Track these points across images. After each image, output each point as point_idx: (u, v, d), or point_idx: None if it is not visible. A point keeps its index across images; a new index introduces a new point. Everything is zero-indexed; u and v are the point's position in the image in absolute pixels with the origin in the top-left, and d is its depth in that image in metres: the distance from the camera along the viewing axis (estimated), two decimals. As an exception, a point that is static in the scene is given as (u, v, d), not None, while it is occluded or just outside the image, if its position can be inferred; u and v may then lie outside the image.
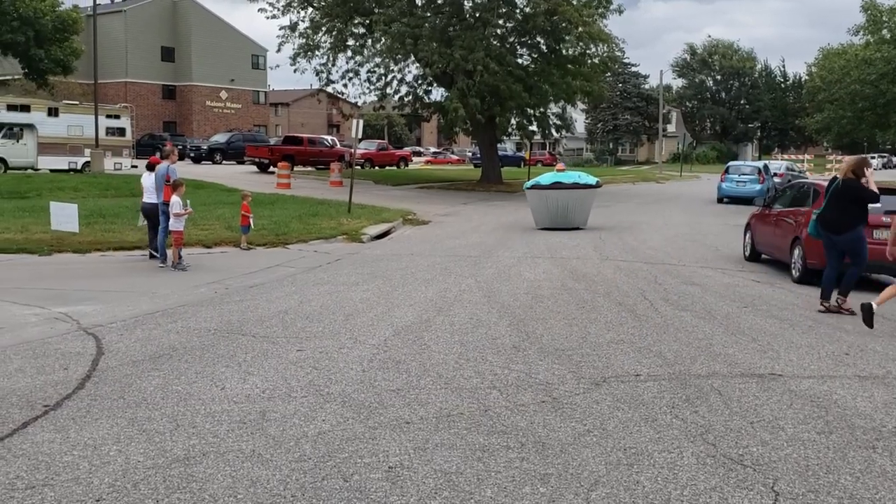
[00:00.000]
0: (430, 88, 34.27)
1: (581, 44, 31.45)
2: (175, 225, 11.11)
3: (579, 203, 17.76)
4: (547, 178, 18.05)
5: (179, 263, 11.04)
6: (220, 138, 45.26)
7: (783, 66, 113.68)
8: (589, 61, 32.74)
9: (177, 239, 11.14)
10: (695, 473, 4.22)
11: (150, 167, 12.00)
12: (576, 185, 17.79)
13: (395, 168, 44.62)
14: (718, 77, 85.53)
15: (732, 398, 5.55)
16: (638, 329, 7.72)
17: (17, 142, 30.74)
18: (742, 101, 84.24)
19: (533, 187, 17.92)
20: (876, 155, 70.59)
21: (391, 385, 5.67)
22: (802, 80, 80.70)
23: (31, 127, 31.15)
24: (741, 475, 4.21)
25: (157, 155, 12.64)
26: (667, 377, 6.05)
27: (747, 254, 13.68)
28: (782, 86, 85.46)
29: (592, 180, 18.17)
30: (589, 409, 5.25)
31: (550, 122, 34.99)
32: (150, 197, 11.66)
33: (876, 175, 34.07)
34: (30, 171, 29.81)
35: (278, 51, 33.31)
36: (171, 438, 4.57)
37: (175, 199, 11.11)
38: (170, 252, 11.19)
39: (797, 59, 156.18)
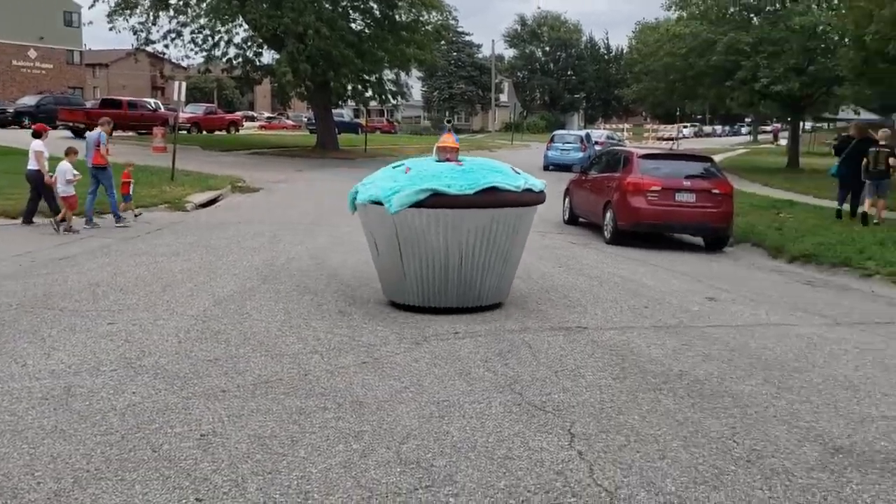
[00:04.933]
0: (260, 51, 33.20)
1: (414, 10, 31.54)
2: (67, 190, 11.40)
3: (509, 240, 7.03)
4: (422, 172, 6.83)
5: (71, 227, 11.39)
6: (29, 101, 41.54)
7: (607, 39, 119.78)
8: (422, 28, 32.91)
9: (72, 204, 11.47)
10: (501, 421, 4.48)
11: (36, 135, 11.99)
12: (511, 198, 6.86)
13: (224, 133, 42.98)
14: (547, 48, 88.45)
15: (541, 350, 5.91)
16: (460, 290, 7.98)
17: None
18: (569, 72, 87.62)
19: (382, 200, 6.81)
20: (688, 124, 75.98)
21: (208, 355, 5.58)
22: (623, 52, 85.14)
23: None
24: (542, 420, 4.52)
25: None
26: (483, 333, 6.33)
27: (566, 217, 14.42)
28: (606, 58, 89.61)
29: (536, 183, 7.22)
30: (408, 367, 5.42)
31: (386, 89, 34.95)
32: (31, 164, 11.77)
33: (685, 143, 36.59)
34: None
35: (91, 6, 31.09)
36: (-39, 420, 4.28)
37: (66, 167, 11.46)
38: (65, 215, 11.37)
39: (620, 31, 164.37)
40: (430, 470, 3.81)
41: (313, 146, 33.62)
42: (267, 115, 72.92)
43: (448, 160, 7.08)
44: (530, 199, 7.11)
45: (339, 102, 38.92)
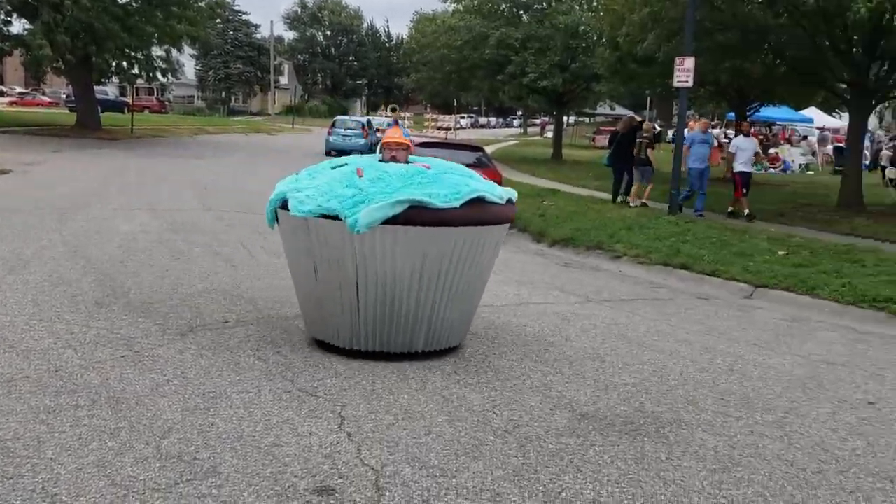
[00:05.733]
0: (9, 20, 30.02)
1: (185, -15, 30.03)
2: None
3: (489, 263, 5.94)
4: (384, 175, 5.30)
5: None
6: None
7: (387, 27, 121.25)
8: (195, 5, 31.42)
9: None
10: (270, 409, 4.43)
11: None
12: (498, 212, 5.60)
13: (-33, 109, 38.47)
14: (328, 32, 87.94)
15: (315, 336, 5.90)
16: (233, 277, 7.77)
17: None
18: (350, 58, 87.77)
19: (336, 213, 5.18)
20: (465, 115, 78.96)
21: (-61, 353, 5.00)
22: (403, 41, 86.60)
23: None
24: (313, 405, 4.53)
25: None
26: (255, 322, 6.21)
27: (346, 203, 14.45)
28: (387, 46, 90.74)
29: (513, 193, 5.97)
30: (172, 359, 5.19)
31: (155, 66, 32.99)
32: None
33: (462, 134, 38.22)
34: None
35: None
36: None
37: None
38: None
39: (400, 20, 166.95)
40: (192, 463, 3.69)
41: (73, 125, 31.05)
42: (19, 90, 66.04)
43: (395, 160, 5.69)
44: (512, 213, 5.85)
45: (103, 79, 36.14)
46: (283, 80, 76.46)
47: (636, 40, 17.54)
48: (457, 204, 5.18)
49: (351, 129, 30.77)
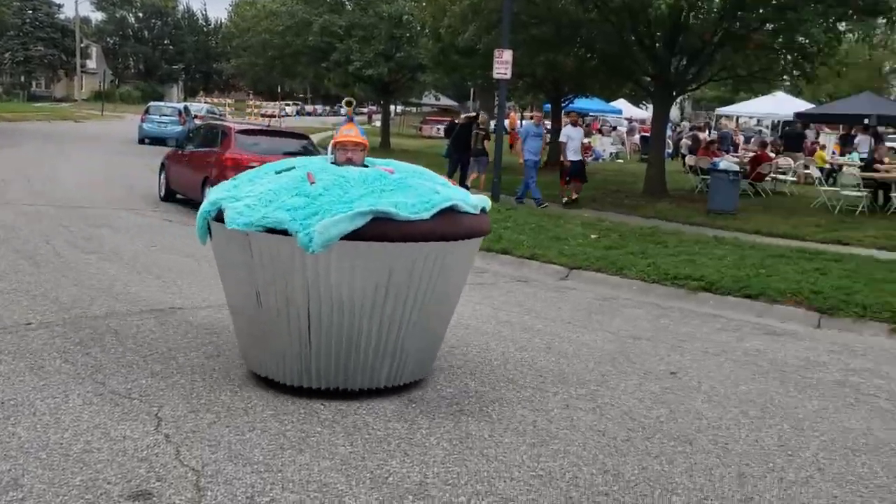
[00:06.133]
0: None
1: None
2: None
3: (461, 282, 5.22)
4: (340, 182, 4.52)
5: None
6: None
7: (205, 10, 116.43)
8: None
9: None
10: (79, 414, 4.15)
11: None
12: (472, 224, 4.80)
13: None
14: (140, 15, 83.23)
15: (128, 336, 5.60)
16: (35, 276, 7.20)
17: None
18: (166, 42, 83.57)
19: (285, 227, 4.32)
20: (290, 102, 77.39)
21: None
22: (223, 25, 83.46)
23: None
24: (127, 408, 4.30)
25: None
26: (61, 322, 5.80)
27: (162, 194, 13.80)
28: (204, 30, 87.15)
29: (487, 201, 5.15)
30: (-36, 367, 4.74)
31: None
32: None
33: (288, 121, 37.45)
34: None
35: None
36: None
37: None
38: None
39: (218, 3, 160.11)
40: (-11, 478, 3.40)
41: None
42: None
43: (351, 162, 4.94)
44: (487, 224, 5.06)
45: None
46: (91, 65, 71.49)
47: (457, 31, 17.92)
48: (426, 215, 4.45)
49: (167, 115, 29.30)
